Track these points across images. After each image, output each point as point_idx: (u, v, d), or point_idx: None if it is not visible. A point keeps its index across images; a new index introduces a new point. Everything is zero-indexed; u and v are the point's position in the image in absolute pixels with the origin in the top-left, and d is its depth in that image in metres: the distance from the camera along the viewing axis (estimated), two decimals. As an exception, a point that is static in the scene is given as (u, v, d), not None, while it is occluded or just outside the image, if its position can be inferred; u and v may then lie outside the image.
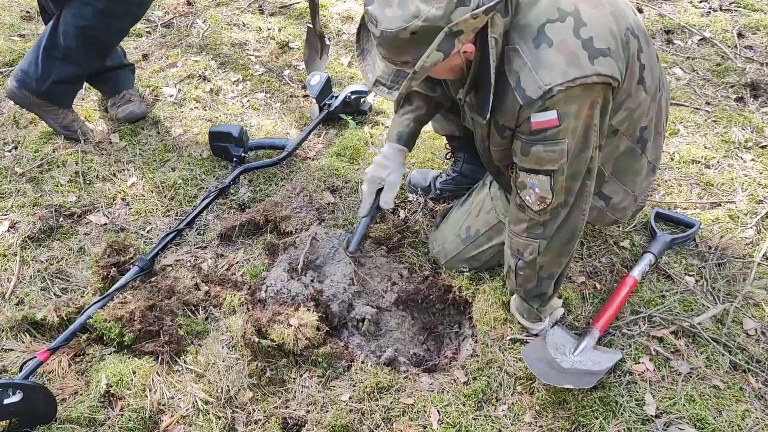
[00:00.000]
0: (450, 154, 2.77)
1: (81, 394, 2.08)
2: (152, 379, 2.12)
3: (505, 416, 2.05)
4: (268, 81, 3.57)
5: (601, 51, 1.70)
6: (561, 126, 1.72)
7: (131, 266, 2.44)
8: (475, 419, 2.05)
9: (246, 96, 3.46)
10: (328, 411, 2.05)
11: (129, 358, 2.17)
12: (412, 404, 2.09)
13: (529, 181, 1.86)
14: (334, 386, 2.14)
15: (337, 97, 3.20)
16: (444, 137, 2.76)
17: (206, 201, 2.64)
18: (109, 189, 2.88)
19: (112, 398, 2.07)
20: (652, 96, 1.98)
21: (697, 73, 3.66)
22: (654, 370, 2.16)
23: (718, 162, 3.02)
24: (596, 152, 1.84)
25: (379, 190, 2.39)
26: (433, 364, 2.31)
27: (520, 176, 1.88)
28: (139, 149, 3.08)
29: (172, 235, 2.52)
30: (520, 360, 2.19)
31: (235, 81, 3.56)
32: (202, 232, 2.70)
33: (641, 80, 1.89)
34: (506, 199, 2.25)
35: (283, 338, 2.16)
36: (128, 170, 2.97)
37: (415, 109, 2.34)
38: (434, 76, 1.86)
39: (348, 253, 2.43)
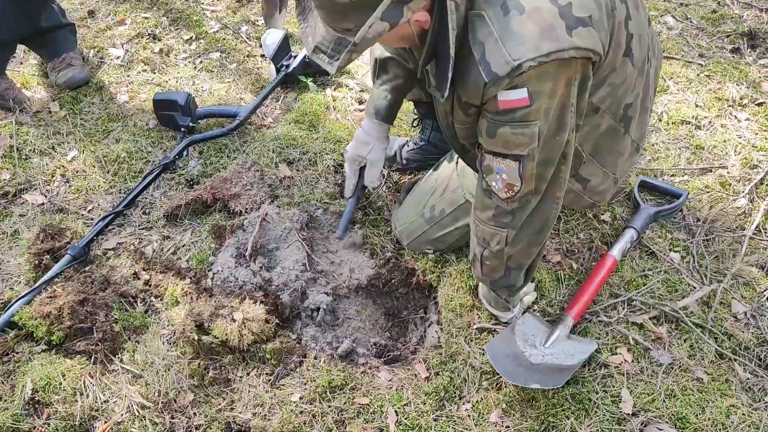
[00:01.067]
0: (417, 121, 2.53)
1: (4, 401, 1.90)
2: (84, 382, 1.94)
3: (469, 416, 1.88)
4: (224, 39, 3.29)
5: (581, 20, 1.44)
6: (532, 106, 1.48)
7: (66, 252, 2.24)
8: (435, 420, 1.87)
9: (199, 56, 3.18)
10: (276, 413, 1.88)
11: (59, 358, 1.98)
12: (367, 404, 1.91)
13: (495, 166, 1.63)
14: (283, 385, 1.96)
15: (295, 57, 2.93)
16: (411, 102, 2.51)
17: (148, 179, 2.41)
18: (47, 164, 2.64)
19: (38, 405, 1.89)
20: (640, 69, 1.72)
21: (691, 22, 3.38)
22: (632, 362, 1.97)
23: (710, 122, 2.78)
24: (573, 135, 1.61)
25: (362, 168, 2.21)
26: (396, 355, 2.13)
27: (486, 159, 1.65)
28: (81, 119, 2.83)
29: (109, 218, 2.29)
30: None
31: (187, 39, 3.27)
32: (147, 211, 2.48)
33: (628, 52, 1.64)
34: (474, 179, 2.02)
35: (226, 334, 1.97)
36: (68, 143, 2.72)
37: (392, 78, 2.11)
38: (384, 45, 1.61)
39: (337, 237, 2.30)
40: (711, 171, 2.58)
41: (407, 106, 2.79)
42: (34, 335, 2.03)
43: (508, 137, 1.55)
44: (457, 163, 2.13)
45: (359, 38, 1.37)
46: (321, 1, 1.41)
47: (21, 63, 3.10)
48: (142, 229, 2.42)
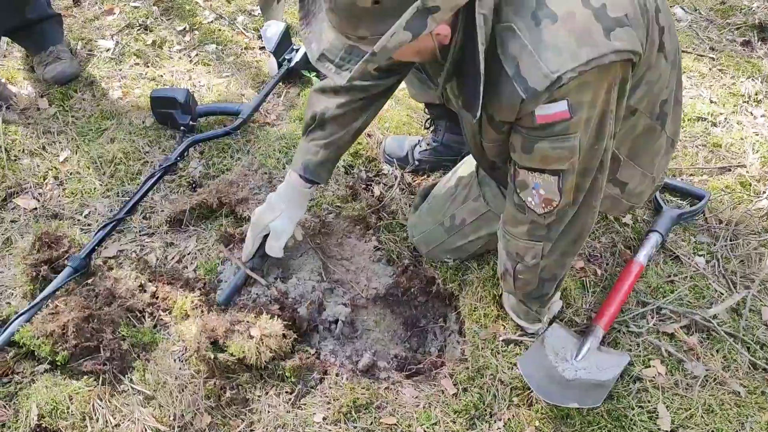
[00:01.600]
0: (430, 122, 2.42)
1: (8, 427, 1.77)
2: (93, 405, 1.82)
3: (501, 435, 1.81)
4: (219, 30, 3.13)
5: (618, 20, 1.34)
6: (572, 119, 1.38)
7: (66, 263, 2.10)
8: (467, 440, 1.80)
9: (194, 49, 3.03)
10: (298, 435, 1.79)
11: (64, 379, 1.86)
12: (395, 424, 1.83)
13: (531, 181, 1.53)
14: (305, 404, 1.87)
15: (297, 50, 2.80)
16: (423, 103, 2.40)
17: (149, 183, 2.27)
18: (38, 166, 2.48)
19: (44, 432, 1.77)
20: (672, 62, 1.64)
21: (700, 13, 3.31)
22: (666, 375, 1.92)
23: (725, 119, 2.72)
24: (611, 142, 1.52)
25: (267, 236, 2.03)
26: (417, 369, 2.04)
27: (520, 174, 1.55)
28: (72, 117, 2.67)
29: (110, 226, 2.16)
30: (515, 365, 1.93)
31: (181, 31, 3.11)
32: (148, 216, 2.34)
33: (661, 47, 1.55)
34: (498, 188, 1.93)
35: (243, 352, 1.86)
36: (60, 142, 2.57)
37: (328, 136, 1.92)
38: (397, 59, 1.49)
39: (217, 305, 2.04)
40: (730, 170, 2.53)
41: (418, 103, 2.69)
42: (35, 353, 1.90)
43: (546, 152, 1.46)
44: (477, 170, 2.03)
45: (379, 47, 1.25)
46: (337, 4, 1.28)
47: (4, 56, 2.92)
48: (144, 235, 2.29)
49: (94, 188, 2.42)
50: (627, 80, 1.44)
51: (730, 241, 2.27)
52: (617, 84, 1.42)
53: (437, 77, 1.64)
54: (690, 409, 1.83)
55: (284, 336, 1.92)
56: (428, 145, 2.43)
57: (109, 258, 2.21)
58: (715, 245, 2.26)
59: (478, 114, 1.41)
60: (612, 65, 1.35)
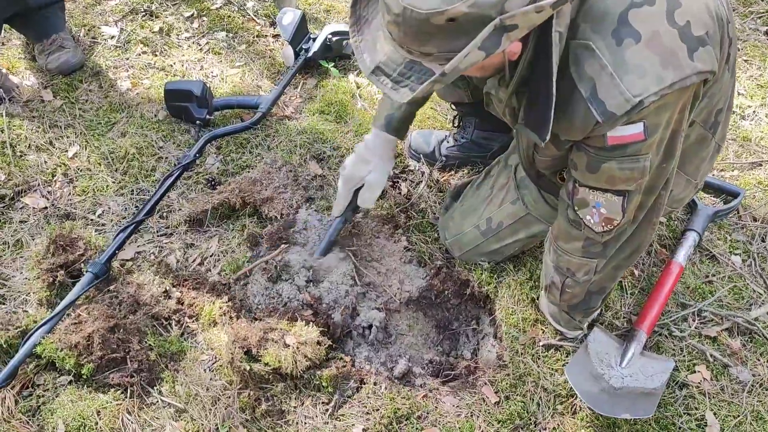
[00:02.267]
0: (458, 119, 2.33)
1: (34, 445, 1.69)
2: (122, 420, 1.74)
3: (548, 445, 1.76)
4: (229, 16, 3.00)
5: (701, 40, 1.27)
6: (647, 141, 1.31)
7: (82, 267, 2.00)
8: (512, 451, 1.75)
9: (203, 36, 2.90)
10: (338, 449, 1.72)
11: (90, 393, 1.78)
12: (438, 435, 1.77)
13: (593, 200, 1.46)
14: (343, 415, 1.80)
15: (314, 39, 2.69)
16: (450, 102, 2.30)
17: (168, 182, 2.16)
18: (45, 162, 2.36)
19: (73, 450, 1.69)
20: (732, 71, 1.57)
21: (720, 1, 3.24)
22: (711, 380, 1.87)
23: (754, 112, 2.67)
24: (678, 160, 1.46)
25: (358, 189, 1.96)
26: (454, 375, 1.98)
27: (580, 192, 1.47)
28: (79, 109, 2.54)
29: (130, 228, 2.06)
30: (557, 371, 1.88)
31: (188, 17, 2.97)
32: (165, 215, 2.24)
33: (728, 59, 1.48)
34: (538, 192, 1.86)
35: (279, 361, 1.79)
36: (68, 137, 2.45)
37: None
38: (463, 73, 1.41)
39: (314, 258, 2.02)
40: (761, 165, 2.48)
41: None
42: (56, 364, 1.81)
43: (613, 173, 1.38)
44: (515, 172, 1.95)
45: (450, 68, 1.15)
46: (405, 19, 1.16)
47: (3, 44, 2.77)
48: (162, 235, 2.20)
49: (107, 186, 2.31)
50: (699, 97, 1.38)
51: (766, 239, 2.23)
52: (690, 103, 1.35)
53: (483, 82, 1.56)
54: (738, 416, 1.80)
55: (319, 343, 1.85)
56: (456, 141, 2.35)
57: (127, 261, 2.12)
58: (751, 244, 2.22)
59: (547, 138, 1.31)
60: (691, 86, 1.28)
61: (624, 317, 2.02)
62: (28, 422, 1.72)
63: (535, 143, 1.53)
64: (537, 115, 1.33)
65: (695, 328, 1.98)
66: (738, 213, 2.31)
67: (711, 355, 1.91)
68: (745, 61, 2.89)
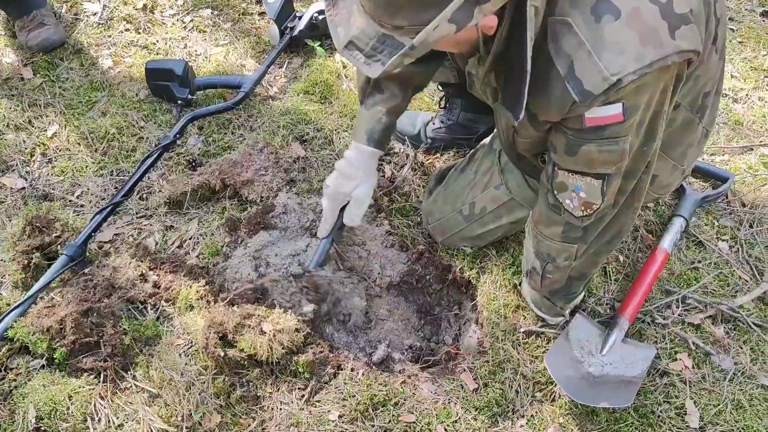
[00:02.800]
0: (444, 100, 2.28)
1: (4, 429, 1.67)
2: (94, 405, 1.72)
3: (525, 433, 1.74)
4: (215, -7, 2.95)
5: (683, 17, 1.22)
6: (626, 122, 1.27)
7: (59, 249, 1.97)
8: (489, 438, 1.73)
9: (188, 13, 2.84)
10: (314, 435, 1.70)
11: (63, 377, 1.75)
12: (414, 422, 1.75)
13: (572, 184, 1.42)
14: (319, 401, 1.78)
15: (300, 18, 2.63)
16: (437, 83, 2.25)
17: (147, 163, 2.13)
18: (24, 142, 2.33)
19: (44, 435, 1.67)
20: (720, 53, 1.52)
21: (717, -19, 3.17)
22: (693, 368, 1.85)
23: (747, 95, 2.62)
24: (660, 142, 1.42)
25: (344, 207, 1.90)
26: (434, 361, 1.96)
27: (560, 176, 1.44)
28: (59, 87, 2.50)
29: (107, 210, 2.02)
30: (537, 358, 1.86)
31: (173, -7, 2.92)
32: (145, 197, 2.21)
33: (715, 39, 1.43)
34: (522, 176, 1.82)
35: (254, 348, 1.76)
36: (47, 116, 2.41)
37: (387, 99, 1.78)
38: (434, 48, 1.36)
39: (308, 270, 1.95)
40: (752, 150, 2.44)
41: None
42: (30, 349, 1.79)
43: (592, 156, 1.34)
44: (499, 156, 1.91)
45: (419, 41, 1.11)
46: None
47: (-18, 20, 2.72)
48: (141, 217, 2.17)
49: (86, 166, 2.28)
50: (682, 79, 1.33)
51: (755, 226, 2.19)
52: (672, 84, 1.31)
53: (464, 61, 1.51)
54: (719, 404, 1.78)
55: (297, 330, 1.82)
56: (442, 123, 2.30)
57: (105, 243, 2.09)
58: (739, 230, 2.18)
59: (521, 116, 1.28)
60: (672, 65, 1.24)
61: (607, 304, 1.99)
62: (-1, 406, 1.71)
63: (517, 128, 1.49)
64: (512, 92, 1.30)
65: (679, 315, 1.95)
66: (727, 198, 2.27)
67: (693, 343, 1.88)
68: (740, 42, 2.83)
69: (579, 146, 1.33)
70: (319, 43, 2.67)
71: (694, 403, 1.78)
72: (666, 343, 1.90)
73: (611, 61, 1.18)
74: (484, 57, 1.33)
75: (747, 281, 2.06)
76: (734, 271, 2.08)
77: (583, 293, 1.96)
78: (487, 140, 2.01)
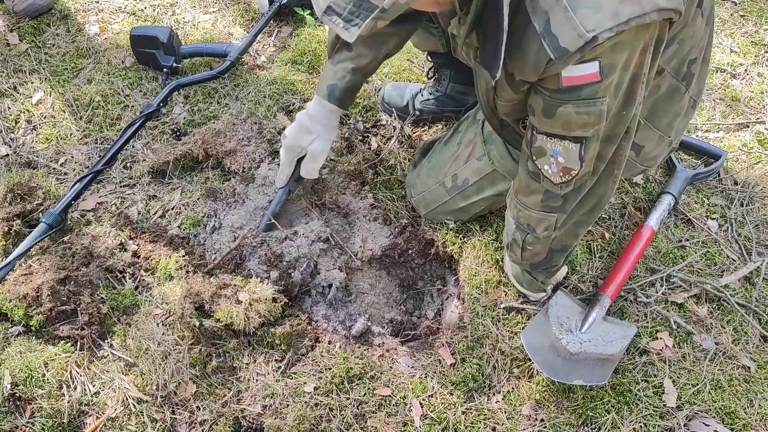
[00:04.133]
0: (432, 71, 2.24)
1: (-19, 395, 1.68)
2: (70, 373, 1.73)
3: (500, 409, 1.73)
4: (205, -41, 2.89)
5: None
6: (602, 82, 1.23)
7: (40, 216, 1.96)
8: (464, 413, 1.72)
9: (178, -20, 2.79)
10: (289, 406, 1.70)
11: (39, 345, 1.76)
12: (389, 396, 1.74)
13: (550, 148, 1.39)
14: (295, 373, 1.78)
15: (290, -15, 2.58)
16: (426, 51, 2.21)
17: (130, 131, 2.10)
18: (9, 108, 2.31)
19: (19, 401, 1.68)
20: (707, 18, 1.48)
21: (721, -48, 3.08)
22: (674, 347, 1.83)
23: (746, 70, 2.56)
24: (640, 107, 1.38)
25: (300, 159, 1.90)
26: (413, 335, 1.95)
27: (538, 140, 1.40)
28: (45, 54, 2.47)
29: (87, 178, 2.01)
30: (516, 335, 1.84)
31: (163, -41, 2.86)
32: (129, 166, 2.19)
33: (701, 2, 1.39)
34: (505, 146, 1.78)
35: (231, 317, 1.76)
36: (32, 82, 2.38)
37: (354, 58, 1.76)
38: (413, 7, 1.32)
39: (259, 232, 1.96)
40: (748, 126, 2.38)
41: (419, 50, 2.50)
42: (8, 316, 1.79)
43: (570, 118, 1.31)
44: (482, 127, 1.88)
45: (389, 3, 1.08)
46: None
47: (-31, -16, 2.68)
48: (124, 186, 2.15)
49: (71, 134, 2.26)
50: (663, 40, 1.29)
51: (746, 204, 2.15)
52: (653, 45, 1.27)
53: (447, 22, 1.48)
54: (697, 384, 1.76)
55: (274, 300, 1.81)
56: (430, 94, 2.26)
57: (87, 211, 2.08)
58: (729, 208, 2.15)
59: (498, 75, 1.26)
60: (652, 24, 1.20)
61: (590, 281, 1.97)
62: (-24, 373, 1.71)
63: (496, 88, 1.46)
64: (490, 50, 1.27)
65: (662, 293, 1.93)
66: (719, 176, 2.23)
67: (675, 322, 1.86)
68: (742, 16, 2.76)
69: (556, 107, 1.31)
70: (309, 11, 2.62)
71: (673, 382, 1.76)
72: (648, 322, 1.87)
73: (587, 17, 1.15)
74: (464, 17, 1.30)
75: (734, 261, 2.03)
76: (722, 250, 2.05)
77: (565, 268, 1.93)
78: (471, 112, 1.97)
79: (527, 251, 1.66)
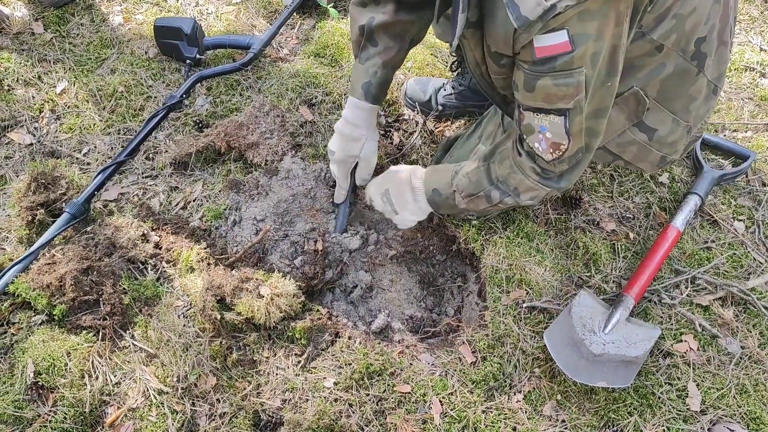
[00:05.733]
0: (456, 64, 2.22)
1: (4, 383, 1.69)
2: (92, 362, 1.73)
3: (521, 409, 1.72)
4: (229, -50, 2.88)
5: None
6: (575, 51, 1.25)
7: (63, 206, 1.97)
8: (485, 412, 1.71)
9: (201, -29, 2.79)
10: (308, 401, 1.70)
11: (62, 334, 1.76)
12: (409, 393, 1.73)
13: (537, 124, 1.41)
14: (315, 368, 1.77)
15: (314, -23, 2.57)
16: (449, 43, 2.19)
17: (153, 122, 2.11)
18: (33, 97, 2.32)
19: (41, 390, 1.69)
20: None
21: (751, -52, 3.03)
22: (698, 350, 1.80)
23: (775, 70, 2.51)
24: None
25: (354, 167, 1.90)
26: (433, 332, 1.94)
27: (525, 117, 1.43)
28: (69, 44, 2.48)
29: (110, 169, 2.01)
30: (538, 334, 1.83)
31: (187, -51, 2.86)
32: (151, 157, 2.19)
33: None
34: None
35: (252, 312, 1.76)
36: (56, 72, 2.39)
37: (382, 52, 1.75)
38: None
39: (334, 235, 1.98)
40: (777, 127, 2.34)
41: (443, 44, 2.47)
42: (32, 305, 1.80)
43: (549, 90, 1.33)
44: (502, 118, 1.86)
45: None
46: None
47: (-5, -28, 2.69)
48: (146, 177, 2.15)
49: (94, 124, 2.26)
50: (639, 11, 1.31)
51: (774, 206, 2.12)
52: (628, 14, 1.28)
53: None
54: (722, 388, 1.73)
55: (295, 295, 1.81)
56: (453, 89, 2.24)
57: (110, 201, 2.09)
58: (757, 210, 2.11)
59: (454, 43, 1.31)
60: None
61: (614, 281, 1.95)
62: None
63: (484, 63, 1.50)
64: (453, 18, 1.32)
65: (687, 295, 1.90)
66: (746, 177, 2.19)
67: (700, 325, 1.83)
68: (773, 14, 2.71)
69: (536, 81, 1.33)
70: (332, 4, 2.61)
71: (697, 385, 1.73)
72: (672, 324, 1.85)
73: None
74: None
75: (761, 263, 1.99)
76: (749, 252, 2.01)
77: None
78: (493, 107, 1.95)
79: (495, 208, 1.68)
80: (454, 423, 1.69)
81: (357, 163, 1.89)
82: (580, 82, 1.31)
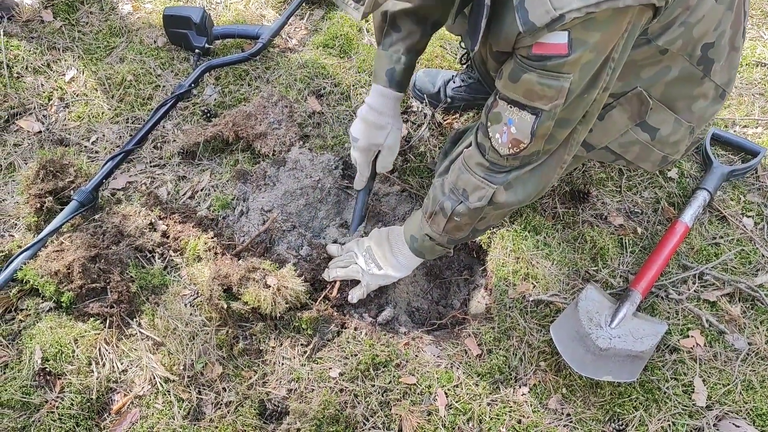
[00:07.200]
0: (465, 57, 2.21)
1: (12, 369, 1.69)
2: (99, 349, 1.74)
3: (526, 402, 1.72)
4: (239, -60, 2.87)
5: None
6: (569, 57, 1.24)
7: (72, 193, 1.97)
8: (490, 405, 1.71)
9: (211, -40, 2.78)
10: (314, 391, 1.70)
11: (70, 321, 1.77)
12: (414, 384, 1.74)
13: (506, 115, 1.40)
14: (321, 358, 1.78)
15: (323, -33, 2.56)
16: (459, 36, 2.18)
17: (161, 111, 2.11)
18: (42, 85, 2.32)
19: (49, 376, 1.70)
20: (728, 4, 1.44)
21: (764, -58, 3.00)
22: (705, 346, 1.80)
23: (787, 65, 2.49)
24: (604, 94, 1.39)
25: (376, 156, 1.90)
26: (439, 324, 1.94)
27: (498, 105, 1.42)
28: (79, 32, 2.48)
29: (119, 158, 2.02)
30: (544, 327, 1.83)
31: (197, -61, 2.85)
32: (159, 146, 2.20)
33: None
34: None
35: (258, 301, 1.76)
36: (66, 60, 2.39)
37: (405, 37, 1.73)
38: None
39: (351, 236, 1.97)
40: (788, 123, 2.33)
41: (453, 36, 2.47)
42: (40, 291, 1.81)
43: (532, 85, 1.32)
44: None
45: None
46: None
47: (5, -40, 2.69)
48: (155, 166, 2.16)
49: (102, 112, 2.27)
50: (638, 28, 1.30)
51: (783, 202, 2.11)
52: (629, 31, 1.27)
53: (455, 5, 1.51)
54: (728, 384, 1.73)
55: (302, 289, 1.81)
56: (462, 81, 2.23)
57: (118, 190, 2.09)
58: (766, 206, 2.10)
59: (476, 47, 1.30)
60: (629, 9, 1.20)
61: (621, 276, 1.94)
62: (7, 346, 1.73)
63: (486, 61, 1.50)
64: (473, 22, 1.32)
65: (694, 291, 1.89)
66: (756, 173, 2.18)
67: (707, 320, 1.83)
68: (786, 11, 2.69)
69: (522, 72, 1.32)
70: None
71: (703, 381, 1.73)
72: (679, 319, 1.84)
73: None
74: None
75: (770, 260, 1.99)
76: (757, 248, 2.00)
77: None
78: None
79: (452, 222, 1.62)
80: (459, 415, 1.69)
81: (379, 151, 1.88)
82: (564, 88, 1.30)
